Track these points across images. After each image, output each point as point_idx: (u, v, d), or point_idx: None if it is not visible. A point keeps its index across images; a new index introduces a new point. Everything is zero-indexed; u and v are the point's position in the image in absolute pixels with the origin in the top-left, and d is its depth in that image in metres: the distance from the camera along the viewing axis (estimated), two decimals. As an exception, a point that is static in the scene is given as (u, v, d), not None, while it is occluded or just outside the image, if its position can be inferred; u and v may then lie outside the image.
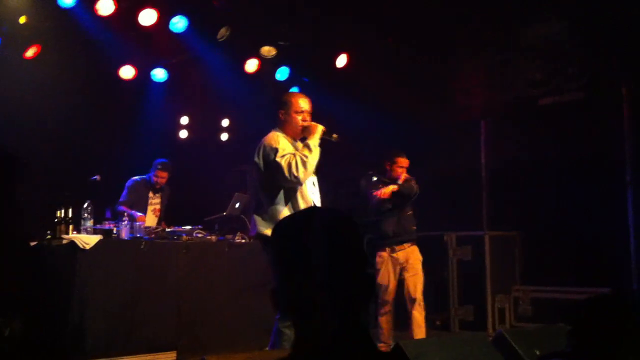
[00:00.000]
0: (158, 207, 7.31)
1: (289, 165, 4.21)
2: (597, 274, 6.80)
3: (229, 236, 6.53)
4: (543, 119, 7.75)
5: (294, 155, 4.27)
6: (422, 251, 6.52)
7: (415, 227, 6.47)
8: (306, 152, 4.31)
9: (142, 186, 7.20)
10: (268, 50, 8.09)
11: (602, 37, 7.24)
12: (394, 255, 6.38)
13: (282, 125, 4.51)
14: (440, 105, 8.45)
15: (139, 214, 6.70)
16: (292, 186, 4.34)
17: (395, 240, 6.38)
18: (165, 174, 7.21)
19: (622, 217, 7.10)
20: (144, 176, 7.25)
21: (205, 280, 6.01)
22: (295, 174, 4.21)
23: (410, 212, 6.51)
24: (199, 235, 6.24)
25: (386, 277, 6.32)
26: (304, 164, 4.24)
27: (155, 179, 7.19)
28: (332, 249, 1.48)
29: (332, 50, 8.31)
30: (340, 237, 1.52)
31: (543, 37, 7.63)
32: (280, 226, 1.59)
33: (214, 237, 6.36)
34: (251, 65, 8.10)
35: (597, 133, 7.28)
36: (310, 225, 1.51)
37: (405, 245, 6.39)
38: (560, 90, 7.60)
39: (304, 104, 4.53)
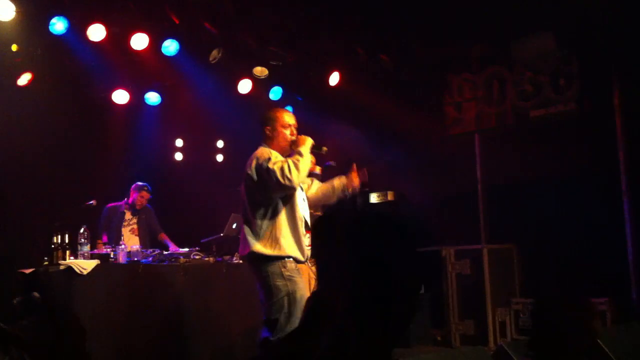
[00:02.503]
0: (136, 227, 7.46)
1: (282, 169, 4.19)
2: (596, 284, 6.79)
3: (227, 257, 6.52)
4: (536, 131, 7.78)
5: (286, 160, 4.27)
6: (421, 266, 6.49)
7: None
8: (297, 156, 4.31)
9: (116, 212, 7.40)
10: (260, 71, 8.12)
11: (593, 48, 7.30)
12: None
13: (269, 141, 4.51)
14: (433, 119, 8.48)
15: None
16: (285, 192, 4.31)
17: None
18: (147, 195, 7.49)
19: (619, 227, 7.10)
20: (119, 202, 7.45)
21: (204, 302, 5.98)
22: (289, 176, 4.17)
23: None
24: (197, 257, 6.22)
25: None
26: (297, 166, 4.22)
27: (139, 200, 7.42)
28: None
29: (325, 68, 8.35)
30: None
31: (534, 49, 7.67)
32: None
33: (211, 259, 6.34)
34: (244, 86, 8.12)
35: (590, 144, 7.31)
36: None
37: None
38: (551, 102, 7.64)
39: (289, 118, 4.54)
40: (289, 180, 4.18)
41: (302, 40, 7.83)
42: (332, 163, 6.33)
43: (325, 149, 4.57)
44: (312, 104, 8.66)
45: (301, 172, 4.25)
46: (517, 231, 7.75)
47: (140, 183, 7.49)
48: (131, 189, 7.46)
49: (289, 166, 4.20)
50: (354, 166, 4.80)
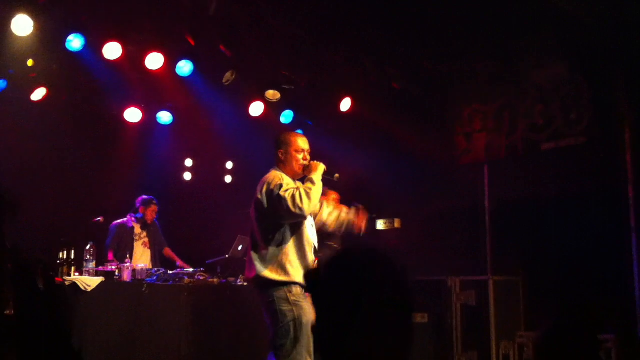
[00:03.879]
0: (147, 240, 7.43)
1: (293, 197, 4.16)
2: (603, 320, 6.72)
3: (232, 279, 6.51)
4: (545, 163, 7.77)
5: (298, 188, 4.25)
6: (426, 296, 6.48)
7: None
8: (309, 184, 4.29)
9: (125, 228, 7.35)
10: (273, 94, 8.16)
11: (605, 81, 7.30)
12: None
13: (282, 164, 4.50)
14: (443, 149, 8.49)
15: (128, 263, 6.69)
16: (295, 220, 4.29)
17: None
18: (156, 208, 7.47)
19: (627, 263, 7.05)
20: (124, 219, 7.40)
21: (206, 323, 5.97)
22: (300, 205, 4.14)
23: None
24: (201, 277, 6.21)
25: None
26: (308, 195, 4.20)
27: (150, 214, 7.39)
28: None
29: (337, 93, 8.39)
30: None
31: (545, 81, 7.69)
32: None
33: (216, 280, 6.33)
34: (256, 109, 8.16)
35: (600, 179, 7.28)
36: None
37: None
38: (562, 134, 7.63)
39: (303, 143, 4.54)
40: (300, 209, 4.16)
41: (314, 64, 7.88)
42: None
43: (337, 175, 4.56)
44: (323, 128, 8.69)
45: (313, 201, 4.23)
46: (524, 263, 7.71)
47: (146, 197, 7.46)
48: (138, 204, 7.42)
49: (300, 195, 4.18)
50: (361, 210, 4.78)
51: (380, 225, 8.10)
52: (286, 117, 8.51)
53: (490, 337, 7.41)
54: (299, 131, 8.40)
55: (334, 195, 4.81)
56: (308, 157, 4.51)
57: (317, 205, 4.45)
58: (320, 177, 4.39)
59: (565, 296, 7.18)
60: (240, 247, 7.03)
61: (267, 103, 8.19)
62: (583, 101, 7.50)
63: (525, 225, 7.77)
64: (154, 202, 7.44)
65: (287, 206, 4.17)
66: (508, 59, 7.68)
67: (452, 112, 8.60)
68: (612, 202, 7.21)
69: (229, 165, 9.72)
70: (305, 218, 4.31)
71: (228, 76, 7.58)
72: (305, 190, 4.22)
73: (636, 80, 6.97)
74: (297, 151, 4.48)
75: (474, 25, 7.07)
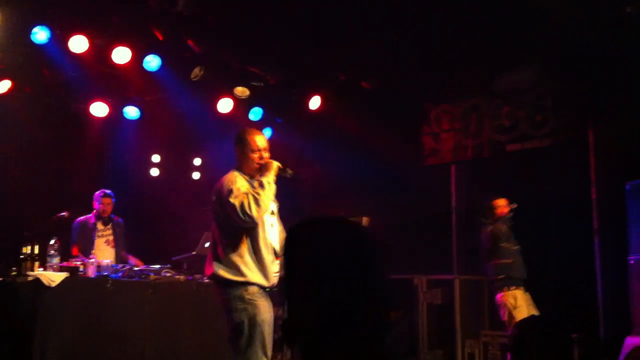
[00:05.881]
0: (111, 238, 7.26)
1: (242, 205, 4.17)
2: (566, 319, 6.82)
3: (198, 276, 6.45)
4: (512, 165, 7.87)
5: (247, 195, 4.23)
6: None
7: None
8: (259, 190, 4.28)
9: (86, 225, 7.18)
10: (242, 91, 8.13)
11: (569, 85, 7.42)
12: None
13: (239, 163, 4.51)
14: (411, 149, 8.54)
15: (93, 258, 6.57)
16: (247, 227, 4.29)
17: None
18: (109, 201, 7.22)
19: (590, 264, 7.17)
20: (88, 215, 7.23)
21: (172, 320, 5.92)
22: (249, 212, 4.16)
23: None
24: (167, 274, 6.15)
25: None
26: (257, 201, 4.20)
27: (101, 207, 7.17)
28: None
29: (306, 91, 8.38)
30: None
31: (512, 84, 7.78)
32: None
33: (182, 277, 6.28)
34: (224, 106, 8.12)
35: (564, 180, 7.39)
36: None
37: None
38: (527, 137, 7.74)
39: (260, 141, 4.53)
40: (249, 217, 4.18)
41: (284, 62, 7.87)
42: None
43: (290, 171, 4.55)
44: (292, 126, 8.68)
45: (262, 206, 4.24)
46: (489, 266, 7.78)
47: (100, 191, 7.27)
48: (94, 199, 7.27)
49: (249, 202, 4.18)
50: None
51: (348, 223, 8.11)
52: (255, 114, 8.48)
53: (456, 335, 7.48)
54: (267, 129, 8.44)
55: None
56: (265, 156, 4.50)
57: (269, 207, 4.42)
58: (273, 179, 4.39)
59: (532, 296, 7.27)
60: (207, 244, 6.97)
61: (236, 100, 8.16)
62: (548, 104, 7.62)
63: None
64: (106, 194, 7.23)
65: (237, 214, 4.18)
66: (475, 62, 7.74)
67: (420, 112, 8.66)
68: (576, 204, 7.32)
69: (197, 161, 9.66)
70: (254, 224, 4.29)
71: (196, 72, 7.53)
72: (254, 197, 4.22)
73: (600, 83, 7.09)
74: (252, 151, 4.48)
75: (452, 36, 7.12)
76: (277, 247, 4.50)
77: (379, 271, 1.50)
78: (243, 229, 4.31)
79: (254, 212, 4.17)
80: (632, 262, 6.40)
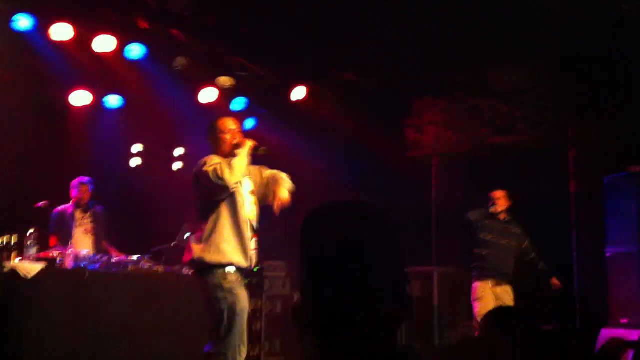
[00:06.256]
0: (90, 226, 7.23)
1: (215, 170, 4.24)
2: (543, 311, 6.90)
3: (177, 267, 6.46)
4: (493, 158, 7.91)
5: (220, 162, 4.32)
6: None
7: None
8: (232, 158, 4.36)
9: (65, 214, 7.14)
10: (225, 81, 8.11)
11: (549, 80, 7.45)
12: None
13: (214, 149, 4.56)
14: (394, 141, 8.56)
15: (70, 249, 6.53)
16: (222, 193, 4.31)
17: None
18: (86, 188, 7.17)
19: (568, 257, 7.24)
20: (67, 205, 7.19)
21: (150, 311, 5.91)
22: (221, 175, 4.22)
23: None
24: (146, 265, 6.16)
25: None
26: (230, 166, 4.28)
27: (78, 194, 7.13)
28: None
29: (291, 82, 8.37)
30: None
31: (493, 79, 7.81)
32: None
33: (161, 268, 6.28)
34: (207, 95, 8.10)
35: (544, 174, 7.45)
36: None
37: None
38: (508, 130, 7.77)
39: (229, 124, 4.60)
40: (222, 179, 4.22)
41: (268, 52, 7.85)
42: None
43: (263, 149, 4.60)
44: (276, 116, 8.68)
45: (235, 172, 4.28)
46: (469, 255, 7.83)
47: (77, 178, 7.21)
48: (71, 187, 7.21)
49: (222, 167, 4.25)
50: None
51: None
52: (238, 104, 8.47)
53: (434, 327, 7.53)
54: (251, 119, 8.45)
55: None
56: (237, 136, 4.54)
57: (241, 176, 4.44)
58: (246, 152, 4.44)
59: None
60: (186, 235, 6.98)
61: (220, 90, 8.14)
62: (529, 99, 7.65)
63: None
64: (83, 182, 7.18)
65: (209, 179, 4.24)
66: (458, 56, 7.76)
67: (403, 104, 8.67)
68: (555, 198, 7.38)
69: (179, 152, 9.62)
70: (229, 188, 4.31)
71: (180, 61, 7.51)
72: (228, 162, 4.31)
73: (580, 79, 7.13)
74: (223, 132, 4.54)
75: (427, 23, 7.13)
76: (255, 225, 4.54)
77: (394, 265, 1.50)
78: (221, 205, 4.34)
79: (227, 175, 4.23)
80: (609, 254, 6.48)
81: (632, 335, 5.85)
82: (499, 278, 6.70)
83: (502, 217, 6.85)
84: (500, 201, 6.85)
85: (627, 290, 6.22)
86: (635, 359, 5.50)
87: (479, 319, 6.37)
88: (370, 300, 1.41)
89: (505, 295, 6.68)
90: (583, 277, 7.21)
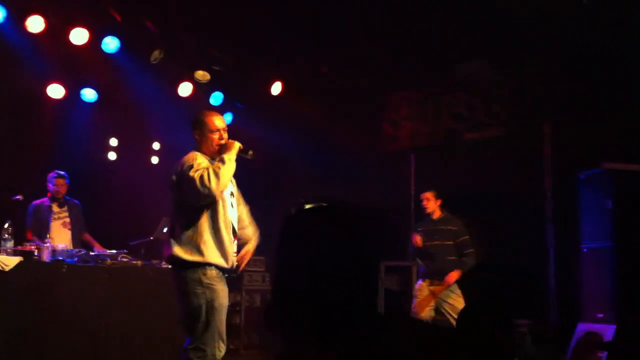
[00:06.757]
0: (67, 220, 7.15)
1: (201, 177, 4.10)
2: (519, 306, 6.96)
3: (155, 261, 6.41)
4: (469, 152, 7.96)
5: (207, 168, 4.19)
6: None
7: None
8: (219, 164, 4.25)
9: (41, 207, 7.06)
10: (202, 75, 8.07)
11: (525, 75, 7.53)
12: None
13: (199, 145, 4.46)
14: (370, 136, 8.58)
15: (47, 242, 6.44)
16: (206, 201, 4.22)
17: None
18: (62, 182, 7.09)
19: (543, 251, 7.32)
20: (43, 198, 7.12)
21: (128, 305, 5.87)
22: (208, 185, 4.08)
23: None
24: (124, 259, 6.10)
25: None
26: (217, 174, 4.14)
27: (54, 188, 7.05)
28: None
29: (267, 77, 8.35)
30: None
31: (469, 74, 7.87)
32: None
33: (139, 262, 6.23)
34: (184, 89, 8.05)
35: (519, 168, 7.52)
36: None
37: None
38: (484, 125, 7.83)
39: (218, 122, 4.49)
40: (208, 189, 4.10)
41: (245, 47, 7.82)
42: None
43: (251, 152, 4.53)
44: (253, 111, 8.65)
45: (222, 180, 4.17)
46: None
47: (53, 172, 7.13)
48: (47, 180, 7.12)
49: (209, 175, 4.12)
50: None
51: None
52: (215, 98, 8.43)
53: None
54: (228, 114, 8.40)
55: None
56: (225, 136, 4.47)
57: (228, 184, 4.39)
58: (234, 156, 4.36)
59: (484, 283, 7.39)
60: (165, 229, 6.92)
61: (196, 84, 8.09)
62: (504, 93, 7.71)
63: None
64: (58, 175, 7.09)
65: (195, 186, 4.11)
66: (437, 59, 7.82)
67: (380, 98, 8.70)
68: (531, 192, 7.46)
69: (156, 146, 9.55)
70: (214, 197, 4.24)
71: (156, 55, 7.46)
72: (214, 170, 4.18)
73: (557, 74, 7.21)
74: (211, 131, 4.44)
75: (401, 18, 7.17)
76: (237, 227, 4.50)
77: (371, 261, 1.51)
78: (203, 206, 4.27)
79: (213, 184, 4.10)
80: (584, 250, 6.56)
81: (608, 329, 5.94)
82: (431, 278, 6.88)
83: (434, 216, 6.97)
84: (429, 202, 6.98)
85: (602, 285, 6.30)
86: (608, 359, 5.60)
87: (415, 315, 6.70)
88: (345, 295, 1.43)
89: (444, 292, 6.82)
90: (558, 272, 7.30)
